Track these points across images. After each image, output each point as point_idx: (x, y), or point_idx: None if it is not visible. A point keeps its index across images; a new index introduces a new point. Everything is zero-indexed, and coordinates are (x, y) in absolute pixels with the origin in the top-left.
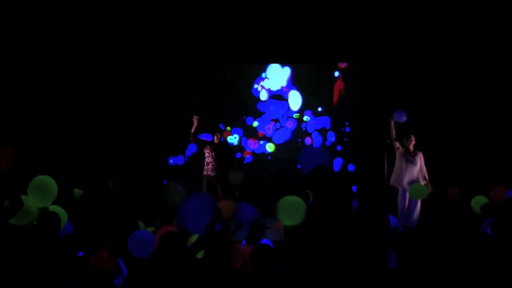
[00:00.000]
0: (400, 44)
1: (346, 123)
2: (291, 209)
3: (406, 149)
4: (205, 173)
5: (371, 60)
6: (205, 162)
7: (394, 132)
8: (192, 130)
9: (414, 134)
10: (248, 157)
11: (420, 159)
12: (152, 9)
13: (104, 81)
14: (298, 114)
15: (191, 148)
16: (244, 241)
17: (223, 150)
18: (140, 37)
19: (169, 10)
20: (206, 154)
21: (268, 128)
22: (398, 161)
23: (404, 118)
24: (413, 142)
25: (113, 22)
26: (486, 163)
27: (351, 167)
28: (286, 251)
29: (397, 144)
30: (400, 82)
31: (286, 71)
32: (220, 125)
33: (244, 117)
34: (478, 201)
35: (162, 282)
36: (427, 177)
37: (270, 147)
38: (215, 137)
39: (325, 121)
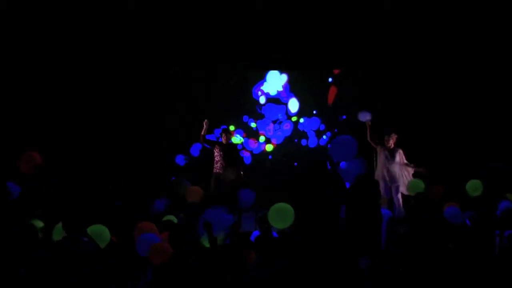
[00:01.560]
0: (391, 49)
1: (341, 117)
2: (282, 215)
3: (383, 146)
4: (214, 171)
5: (362, 65)
6: (215, 161)
7: (369, 133)
8: (202, 133)
9: (397, 133)
10: (247, 156)
11: (399, 156)
12: (152, 9)
13: (104, 81)
14: (295, 117)
15: (196, 148)
16: (255, 232)
17: (230, 150)
18: (140, 37)
19: (169, 10)
20: (216, 154)
21: (269, 129)
22: (379, 157)
23: (368, 118)
24: (394, 140)
25: (113, 22)
26: (486, 163)
27: (342, 165)
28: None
29: (373, 144)
30: (390, 84)
31: (284, 77)
32: (224, 126)
33: (245, 118)
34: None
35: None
36: (410, 170)
37: (268, 147)
38: (223, 138)
39: (319, 122)
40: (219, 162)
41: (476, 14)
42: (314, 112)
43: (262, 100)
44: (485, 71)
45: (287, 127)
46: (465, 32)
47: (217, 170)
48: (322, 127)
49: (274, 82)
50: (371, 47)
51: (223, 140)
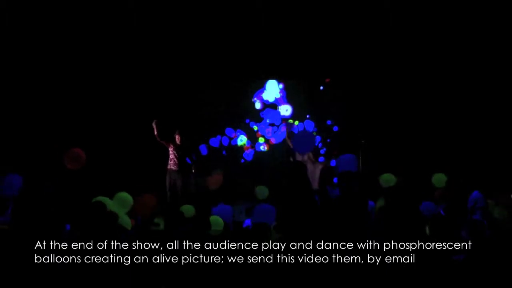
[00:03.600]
0: (390, 51)
1: (329, 122)
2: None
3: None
4: (168, 167)
5: (357, 70)
6: (169, 158)
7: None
8: (155, 133)
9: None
10: (249, 153)
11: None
12: (152, 9)
13: (104, 82)
14: (291, 120)
15: (203, 149)
16: (247, 220)
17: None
18: (140, 37)
19: (169, 10)
20: (170, 152)
21: (268, 131)
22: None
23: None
24: None
25: (113, 22)
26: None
27: (332, 163)
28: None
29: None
30: (385, 87)
31: (281, 86)
32: (229, 128)
33: (247, 121)
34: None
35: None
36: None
37: (263, 148)
38: (176, 138)
39: (311, 124)
40: (173, 160)
41: (475, 15)
42: (308, 116)
43: (258, 106)
44: (484, 72)
45: (283, 129)
46: (464, 33)
47: (171, 167)
48: (314, 128)
49: (273, 90)
50: (368, 51)
51: (177, 140)
